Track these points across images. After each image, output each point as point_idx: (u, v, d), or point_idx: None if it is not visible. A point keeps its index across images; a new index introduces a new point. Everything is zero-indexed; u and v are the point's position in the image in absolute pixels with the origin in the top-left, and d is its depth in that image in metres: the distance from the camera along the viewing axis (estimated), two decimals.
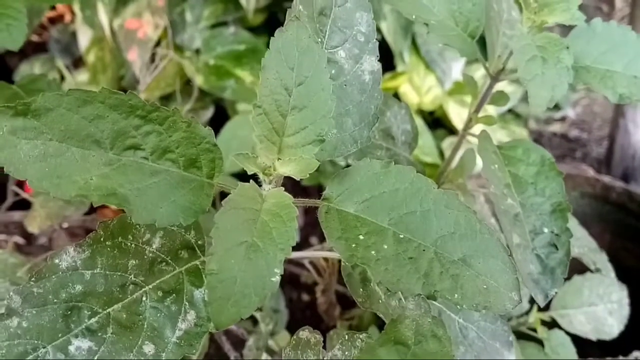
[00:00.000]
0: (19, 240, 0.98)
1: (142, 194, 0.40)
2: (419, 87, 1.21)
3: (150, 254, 0.44)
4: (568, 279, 0.76)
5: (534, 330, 0.78)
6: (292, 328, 0.84)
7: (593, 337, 0.80)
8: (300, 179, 0.41)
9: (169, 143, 0.42)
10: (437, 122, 1.25)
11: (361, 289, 0.48)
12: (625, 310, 0.82)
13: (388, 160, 0.44)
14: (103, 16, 1.12)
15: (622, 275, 0.85)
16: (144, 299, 0.42)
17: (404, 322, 0.40)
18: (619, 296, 0.82)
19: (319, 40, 0.46)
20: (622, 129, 1.15)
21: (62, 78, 1.19)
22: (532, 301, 0.76)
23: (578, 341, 0.79)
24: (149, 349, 0.41)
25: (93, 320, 0.41)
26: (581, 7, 0.55)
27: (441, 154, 1.15)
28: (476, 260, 0.41)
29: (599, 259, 0.79)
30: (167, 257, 0.44)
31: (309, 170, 0.41)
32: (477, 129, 0.63)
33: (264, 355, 0.68)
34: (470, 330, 0.55)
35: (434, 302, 0.53)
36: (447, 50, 1.20)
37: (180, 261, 0.44)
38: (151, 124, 0.42)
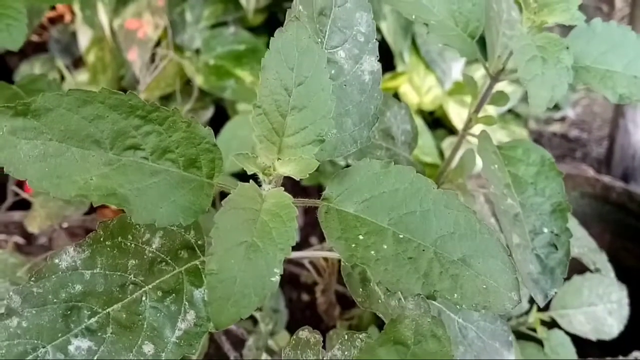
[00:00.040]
0: (19, 240, 0.98)
1: (142, 194, 0.40)
2: (419, 87, 1.21)
3: (150, 254, 0.44)
4: (568, 279, 0.76)
5: (534, 330, 0.79)
6: (291, 328, 0.84)
7: (593, 337, 0.80)
8: (300, 179, 0.42)
9: (168, 143, 0.42)
10: (437, 122, 1.25)
11: (361, 289, 0.48)
12: (624, 311, 0.82)
13: (388, 160, 0.44)
14: (103, 16, 1.12)
15: (622, 275, 0.85)
16: (143, 298, 0.42)
17: (404, 322, 0.41)
18: (618, 296, 0.82)
19: (319, 40, 0.46)
20: (622, 129, 1.15)
21: (62, 78, 1.19)
22: (531, 301, 0.76)
23: (578, 341, 0.79)
24: (148, 348, 0.41)
25: (93, 320, 0.41)
26: (581, 7, 0.55)
27: (441, 154, 1.15)
28: (476, 260, 0.41)
29: (598, 259, 0.79)
30: (167, 257, 0.44)
31: (309, 170, 0.41)
32: (477, 129, 0.63)
33: (264, 355, 0.68)
34: (469, 330, 0.55)
35: (433, 302, 0.53)
36: (447, 51, 1.20)
37: (180, 261, 0.44)
38: (151, 124, 0.42)
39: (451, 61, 1.22)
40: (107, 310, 0.42)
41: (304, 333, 0.46)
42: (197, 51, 1.14)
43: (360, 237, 0.41)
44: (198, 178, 0.43)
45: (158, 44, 1.12)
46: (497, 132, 1.20)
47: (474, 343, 0.54)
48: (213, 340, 0.71)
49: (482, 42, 0.59)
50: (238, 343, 0.71)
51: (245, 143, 0.98)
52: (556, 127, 1.46)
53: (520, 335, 0.79)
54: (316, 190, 1.07)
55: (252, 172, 0.43)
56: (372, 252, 0.40)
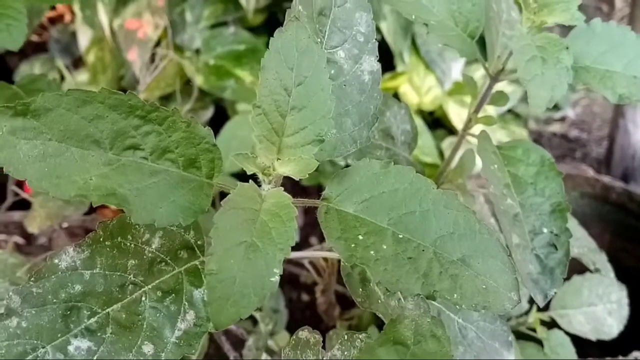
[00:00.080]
0: (19, 240, 0.98)
1: (141, 194, 0.40)
2: (419, 87, 1.21)
3: (150, 254, 0.44)
4: (567, 279, 0.76)
5: (534, 330, 0.79)
6: (291, 328, 0.84)
7: (592, 337, 0.80)
8: (300, 179, 0.42)
9: (168, 143, 0.42)
10: (437, 122, 1.25)
11: (360, 289, 0.48)
12: (624, 311, 0.82)
13: (387, 160, 0.44)
14: (103, 16, 1.12)
15: (622, 275, 0.85)
16: (143, 299, 0.42)
17: (403, 322, 0.41)
18: (618, 296, 0.82)
19: (319, 40, 0.46)
20: (622, 129, 1.15)
21: (62, 78, 1.19)
22: (531, 301, 0.76)
23: (577, 341, 0.79)
24: (148, 349, 0.41)
25: (92, 320, 0.41)
26: (581, 7, 0.55)
27: (441, 154, 1.15)
28: (475, 260, 0.41)
29: (598, 259, 0.79)
30: (167, 257, 0.44)
31: (308, 170, 0.41)
32: (476, 129, 0.63)
33: (264, 355, 0.68)
34: (469, 330, 0.55)
35: (433, 302, 0.53)
36: (447, 51, 1.20)
37: (179, 261, 0.44)
38: (151, 124, 0.42)
39: (451, 61, 1.22)
40: (107, 311, 0.42)
41: (304, 333, 0.46)
42: (197, 51, 1.14)
43: (360, 237, 0.41)
44: (197, 178, 0.43)
45: (158, 44, 1.12)
46: (497, 132, 1.20)
47: (473, 343, 0.54)
48: (213, 340, 0.71)
49: (481, 42, 0.59)
50: (238, 343, 0.71)
51: (245, 143, 0.98)
52: (556, 127, 1.46)
53: (520, 335, 0.79)
54: (316, 190, 1.07)
55: (251, 172, 0.43)
56: (372, 252, 0.40)
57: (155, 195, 0.40)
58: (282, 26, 0.41)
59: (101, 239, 0.43)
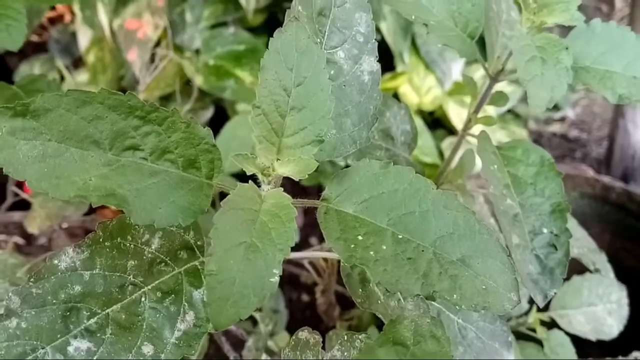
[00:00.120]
0: (19, 240, 0.98)
1: (141, 194, 0.40)
2: (419, 88, 1.21)
3: (150, 255, 0.44)
4: (567, 279, 0.76)
5: (534, 330, 0.78)
6: (291, 328, 0.84)
7: (592, 337, 0.80)
8: (300, 179, 0.42)
9: (168, 143, 0.42)
10: (437, 122, 1.25)
11: (360, 290, 0.48)
12: (624, 311, 0.82)
13: (387, 160, 0.44)
14: (103, 16, 1.12)
15: (622, 275, 0.85)
16: (143, 299, 0.42)
17: (403, 322, 0.41)
18: (618, 296, 0.82)
19: (318, 40, 0.46)
20: (622, 129, 1.15)
21: (62, 78, 1.19)
22: (531, 301, 0.76)
23: (577, 341, 0.79)
24: (147, 349, 0.41)
25: (92, 321, 0.41)
26: (581, 8, 0.55)
27: (441, 154, 1.15)
28: (475, 261, 0.41)
29: (598, 259, 0.79)
30: (166, 258, 0.44)
31: (308, 170, 0.41)
32: (476, 129, 0.63)
33: (264, 356, 0.68)
34: (469, 331, 0.55)
35: (433, 302, 0.53)
36: (447, 51, 1.20)
37: (179, 262, 0.44)
38: (150, 124, 0.42)
39: (451, 61, 1.22)
40: (107, 311, 0.42)
41: (304, 334, 0.46)
42: (197, 51, 1.14)
43: (360, 237, 0.41)
44: (197, 179, 0.43)
45: (158, 44, 1.12)
46: (497, 132, 1.20)
47: (473, 343, 0.54)
48: (213, 340, 0.71)
49: (481, 43, 0.59)
50: (238, 344, 0.71)
51: (245, 143, 0.98)
52: (556, 128, 1.46)
53: (520, 336, 0.79)
54: (316, 191, 1.07)
55: (251, 173, 0.43)
56: (371, 252, 0.40)
57: (154, 196, 0.40)
58: (282, 26, 0.41)
59: (101, 240, 0.43)
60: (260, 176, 0.43)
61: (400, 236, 0.41)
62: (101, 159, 0.40)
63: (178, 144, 0.42)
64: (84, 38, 1.16)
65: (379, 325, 0.54)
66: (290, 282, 1.02)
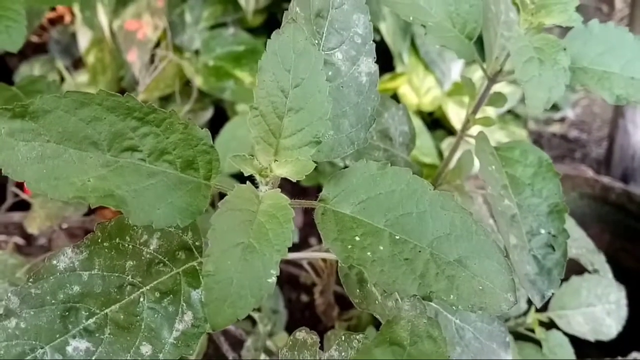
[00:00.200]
0: (19, 241, 0.98)
1: (139, 195, 0.40)
2: (418, 88, 1.21)
3: (148, 255, 0.44)
4: (566, 279, 0.76)
5: (532, 331, 0.79)
6: (290, 329, 0.84)
7: (591, 337, 0.80)
8: (299, 180, 0.42)
9: (166, 145, 0.42)
10: (437, 122, 1.25)
11: (358, 290, 0.48)
12: (623, 311, 0.82)
13: (385, 161, 0.44)
14: (103, 17, 1.12)
15: (621, 276, 0.85)
16: (141, 299, 0.43)
17: (400, 323, 0.41)
18: (617, 297, 0.82)
19: (316, 42, 0.46)
20: (622, 129, 1.15)
21: (62, 79, 1.20)
22: (530, 302, 0.76)
23: (576, 342, 0.79)
24: (146, 349, 0.41)
25: (91, 321, 0.41)
26: (580, 8, 0.56)
27: (440, 154, 1.15)
28: (472, 261, 0.41)
29: (596, 259, 0.79)
30: (165, 258, 0.44)
31: (306, 171, 0.41)
32: (475, 130, 0.63)
33: (263, 356, 0.68)
34: (467, 331, 0.55)
35: (430, 303, 0.53)
36: (447, 51, 1.20)
37: (177, 262, 0.44)
38: (148, 125, 0.42)
39: (450, 62, 1.22)
40: (105, 311, 0.42)
41: (302, 334, 0.46)
42: (197, 52, 1.14)
43: (357, 238, 0.41)
44: (195, 179, 0.43)
45: (157, 45, 1.13)
46: (497, 132, 1.20)
47: (471, 344, 0.54)
48: (212, 340, 0.71)
49: (479, 44, 0.59)
50: (237, 344, 0.71)
51: (245, 144, 0.98)
52: (556, 128, 1.46)
53: (518, 336, 0.79)
54: (316, 191, 1.07)
55: (249, 174, 0.43)
56: (369, 253, 0.40)
57: (153, 197, 0.41)
58: (280, 28, 0.42)
59: (99, 240, 0.43)
60: (258, 177, 0.43)
61: (397, 237, 0.41)
62: (100, 160, 0.41)
63: (176, 145, 0.42)
64: (83, 39, 1.17)
65: (378, 325, 0.54)
66: (289, 282, 1.02)
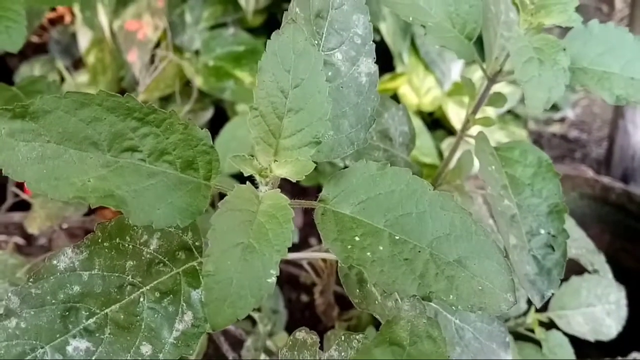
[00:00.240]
0: (19, 241, 0.98)
1: (139, 195, 0.40)
2: (418, 88, 1.21)
3: (148, 255, 0.44)
4: (566, 279, 0.76)
5: (532, 331, 0.79)
6: (290, 329, 0.84)
7: (591, 337, 0.80)
8: (299, 180, 0.42)
9: (166, 145, 0.42)
10: (437, 122, 1.25)
11: (358, 290, 0.48)
12: (623, 311, 0.82)
13: (384, 162, 0.44)
14: (103, 17, 1.12)
15: (621, 276, 0.85)
16: (141, 299, 0.43)
17: (399, 323, 0.41)
18: (616, 297, 0.82)
19: (316, 42, 0.46)
20: (622, 129, 1.15)
21: (62, 79, 1.20)
22: (529, 302, 0.76)
23: (576, 342, 0.79)
24: (146, 349, 0.41)
25: (91, 320, 0.41)
26: (581, 8, 0.56)
27: (440, 154, 1.15)
28: (471, 262, 0.41)
29: (596, 260, 0.79)
30: (165, 258, 0.44)
31: (305, 172, 0.41)
32: (474, 130, 0.63)
33: (263, 356, 0.68)
34: (466, 331, 0.55)
35: (430, 303, 0.53)
36: (447, 52, 1.20)
37: (177, 262, 0.44)
38: (148, 126, 0.42)
39: (450, 62, 1.22)
40: (105, 311, 0.42)
41: (301, 334, 0.46)
42: (197, 52, 1.14)
43: (357, 238, 0.41)
44: (195, 180, 0.43)
45: (158, 45, 1.13)
46: (497, 132, 1.20)
47: (470, 344, 0.54)
48: (212, 340, 0.71)
49: (479, 44, 0.59)
50: (237, 344, 0.71)
51: (245, 144, 0.98)
52: (556, 128, 1.46)
53: (518, 336, 0.79)
54: (316, 191, 1.07)
55: (249, 174, 0.43)
56: (368, 253, 0.40)
57: (153, 197, 0.41)
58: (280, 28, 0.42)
59: (99, 240, 0.43)
60: (257, 177, 0.43)
61: (397, 237, 0.41)
62: (100, 160, 0.41)
63: (176, 146, 0.42)
64: (84, 39, 1.17)
65: (378, 325, 0.54)
66: (289, 282, 1.02)
